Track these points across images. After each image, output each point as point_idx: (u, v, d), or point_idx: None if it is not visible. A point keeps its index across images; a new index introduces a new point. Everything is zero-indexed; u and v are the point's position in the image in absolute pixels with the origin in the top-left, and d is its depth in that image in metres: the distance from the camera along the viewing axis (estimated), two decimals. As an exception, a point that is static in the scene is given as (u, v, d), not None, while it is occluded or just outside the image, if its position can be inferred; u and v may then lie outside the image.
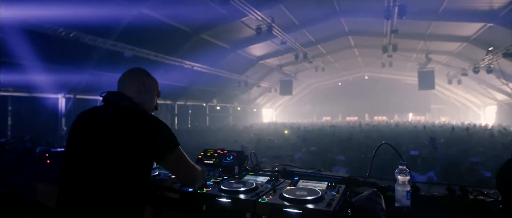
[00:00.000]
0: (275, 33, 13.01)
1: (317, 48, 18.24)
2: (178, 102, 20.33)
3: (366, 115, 34.46)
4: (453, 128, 14.40)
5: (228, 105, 27.11)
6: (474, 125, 18.12)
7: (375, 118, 33.18)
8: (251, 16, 11.26)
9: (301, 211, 1.28)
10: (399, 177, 1.48)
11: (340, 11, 13.49)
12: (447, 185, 1.61)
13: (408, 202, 1.45)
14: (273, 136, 13.57)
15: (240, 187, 1.56)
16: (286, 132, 15.43)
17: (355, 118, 32.04)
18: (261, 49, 17.94)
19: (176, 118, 20.41)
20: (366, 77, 30.88)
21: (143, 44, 11.69)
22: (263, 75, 22.86)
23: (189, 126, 21.41)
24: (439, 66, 18.30)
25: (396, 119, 31.65)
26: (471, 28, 12.70)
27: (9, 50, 7.99)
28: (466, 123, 21.44)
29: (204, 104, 23.73)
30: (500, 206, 1.42)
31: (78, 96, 12.25)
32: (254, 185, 1.61)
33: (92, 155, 1.29)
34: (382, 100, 31.59)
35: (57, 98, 11.62)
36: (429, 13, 11.63)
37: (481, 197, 1.54)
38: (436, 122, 25.24)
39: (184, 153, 1.43)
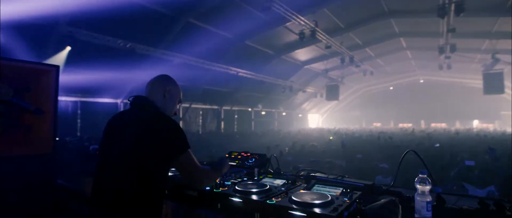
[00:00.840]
0: (319, 38, 12.81)
1: (364, 51, 17.47)
2: (225, 107, 21.00)
3: (422, 122, 31.82)
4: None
5: (273, 110, 27.25)
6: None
7: (432, 124, 30.44)
8: (294, 21, 11.26)
9: (305, 215, 1.27)
10: (418, 186, 1.38)
11: (389, 11, 12.77)
12: (479, 198, 1.45)
13: (428, 214, 1.35)
14: (317, 141, 13.30)
15: (253, 188, 1.60)
16: (331, 138, 14.99)
17: (409, 125, 29.80)
18: (305, 54, 17.75)
19: (222, 123, 21.11)
20: (421, 81, 28.57)
21: (191, 51, 12.36)
22: (308, 80, 22.56)
23: (235, 130, 21.95)
24: (509, 68, 16.21)
25: (457, 126, 28.68)
26: (549, 23, 11.06)
27: (77, 60, 9.08)
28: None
29: (250, 110, 24.16)
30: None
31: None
32: (268, 186, 1.63)
33: (119, 152, 1.45)
34: (440, 106, 28.94)
35: (116, 103, 12.89)
36: (493, 9, 10.42)
37: (521, 214, 1.36)
38: (508, 130, 22.28)
39: (193, 156, 1.51)
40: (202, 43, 12.32)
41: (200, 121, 19.42)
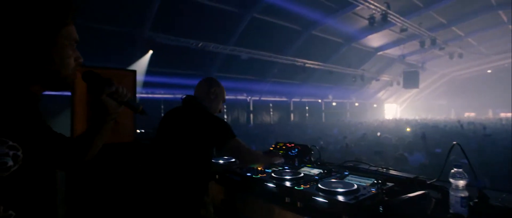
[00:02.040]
0: (392, 20, 11.81)
1: (450, 31, 15.31)
2: (294, 99, 21.06)
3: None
4: None
5: (344, 101, 26.15)
6: None
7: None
8: (363, 5, 10.61)
9: (327, 201, 1.35)
10: (452, 180, 1.32)
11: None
12: (531, 196, 1.29)
13: (463, 210, 1.28)
14: (391, 133, 12.39)
15: (287, 176, 1.74)
16: (408, 129, 13.77)
17: (513, 114, 25.08)
18: (379, 39, 16.49)
19: (292, 114, 21.25)
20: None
21: (257, 46, 12.78)
22: (382, 67, 20.95)
23: (306, 121, 21.82)
24: None
25: None
26: None
27: (158, 62, 10.33)
28: None
29: (320, 101, 23.69)
30: None
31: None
32: (302, 175, 1.75)
33: (171, 143, 1.76)
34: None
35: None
36: None
37: None
38: None
39: (240, 141, 1.76)
40: (267, 37, 12.62)
41: (271, 113, 19.92)
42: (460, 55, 17.42)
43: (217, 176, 2.15)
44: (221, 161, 2.32)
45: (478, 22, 14.66)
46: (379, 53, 18.15)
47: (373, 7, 10.71)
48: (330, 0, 10.36)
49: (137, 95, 3.08)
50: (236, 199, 1.93)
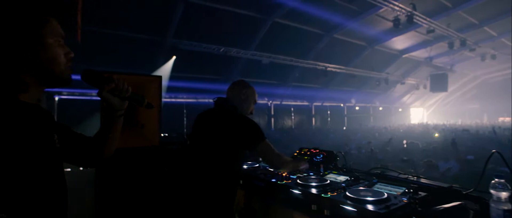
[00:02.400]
0: (418, 22, 11.41)
1: (482, 31, 14.54)
2: (315, 103, 20.79)
3: None
4: None
5: (368, 105, 25.48)
6: None
7: None
8: (386, 7, 10.33)
9: (356, 210, 1.31)
10: (492, 191, 1.23)
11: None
12: None
13: (506, 223, 1.19)
14: (419, 139, 11.91)
15: (313, 182, 1.70)
16: (436, 135, 13.19)
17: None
18: (403, 42, 15.97)
19: (313, 119, 20.96)
20: None
21: (278, 50, 12.76)
22: (408, 70, 20.25)
23: (328, 126, 21.46)
24: None
25: None
26: None
27: (181, 67, 10.58)
28: None
29: (342, 105, 23.23)
30: None
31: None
32: (328, 182, 1.70)
33: (203, 144, 1.80)
34: None
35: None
36: None
37: None
38: None
39: (270, 144, 1.77)
40: (289, 41, 12.58)
41: (292, 117, 19.79)
42: (493, 57, 16.51)
43: (241, 181, 2.15)
44: (245, 166, 2.32)
45: (512, 21, 13.83)
46: (404, 55, 17.56)
47: (397, 8, 10.39)
48: (353, 3, 10.17)
49: (162, 100, 3.16)
50: (260, 205, 1.91)
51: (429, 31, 12.33)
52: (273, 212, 1.81)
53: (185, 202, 1.74)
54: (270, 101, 17.61)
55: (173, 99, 12.27)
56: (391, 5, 10.13)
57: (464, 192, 1.61)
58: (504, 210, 1.20)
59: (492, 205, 1.23)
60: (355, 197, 1.40)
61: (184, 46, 9.95)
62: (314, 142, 11.14)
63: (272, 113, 17.94)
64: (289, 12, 10.57)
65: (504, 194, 1.21)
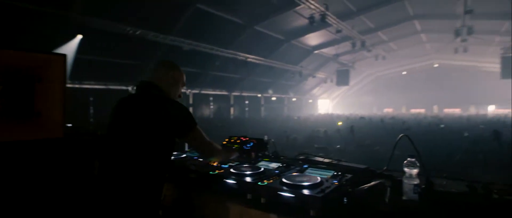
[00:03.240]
0: (329, 22, 12.57)
1: (377, 35, 17.05)
2: (234, 93, 21.09)
3: (435, 107, 31.11)
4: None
5: (283, 96, 27.17)
6: None
7: (445, 110, 29.74)
8: (304, 5, 11.04)
9: (294, 195, 1.32)
10: (406, 169, 1.41)
11: (403, -7, 12.36)
12: (467, 181, 1.47)
13: (415, 196, 1.38)
14: (327, 127, 13.28)
15: (247, 171, 1.66)
16: (339, 123, 14.93)
17: (422, 110, 29.22)
18: (316, 38, 17.46)
19: (232, 108, 21.27)
20: (436, 65, 27.77)
21: (200, 38, 12.36)
22: (318, 65, 22.30)
23: (246, 115, 22.08)
24: (529, 51, 15.54)
25: (471, 111, 27.95)
26: None
27: (88, 48, 9.24)
28: None
29: (259, 95, 24.18)
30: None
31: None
32: (262, 169, 1.70)
33: (125, 134, 1.55)
34: (454, 91, 28.16)
35: (127, 90, 13.14)
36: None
37: (509, 197, 1.37)
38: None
39: (201, 131, 1.65)
40: (211, 29, 12.30)
41: (211, 106, 19.67)
42: (384, 57, 19.55)
43: (167, 174, 1.98)
44: (172, 157, 2.13)
45: (398, 29, 16.61)
46: (316, 51, 19.24)
47: (313, 7, 11.24)
48: (274, -3, 10.56)
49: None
50: (192, 198, 1.79)
51: (338, 31, 13.76)
52: (207, 204, 1.71)
53: (103, 199, 1.49)
54: (189, 90, 17.10)
55: (76, 85, 10.66)
56: (308, 3, 10.87)
57: (378, 171, 1.82)
58: (415, 185, 1.38)
59: (405, 181, 1.41)
60: (291, 182, 1.42)
61: (93, 25, 8.68)
62: (233, 131, 11.28)
63: (191, 101, 17.48)
64: (212, -1, 10.32)
65: (415, 171, 1.40)
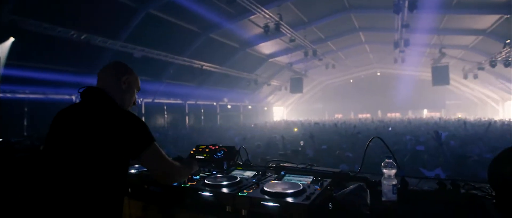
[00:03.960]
0: (283, 31, 12.93)
1: (327, 45, 18.02)
2: (189, 102, 20.53)
3: (379, 112, 33.83)
4: (464, 123, 13.99)
5: (239, 104, 27.18)
6: (494, 121, 17.39)
7: (388, 114, 32.53)
8: (259, 14, 11.24)
9: (278, 205, 1.26)
10: (385, 170, 1.43)
11: (350, 7, 13.28)
12: (437, 179, 1.55)
13: (394, 197, 1.41)
14: (284, 133, 13.53)
15: (223, 181, 1.55)
16: (295, 129, 15.34)
17: (368, 115, 31.53)
18: (270, 47, 17.88)
19: (187, 117, 20.64)
20: (378, 74, 30.29)
21: (152, 44, 11.83)
22: (273, 73, 22.79)
23: (202, 124, 21.57)
24: (454, 61, 17.72)
25: (409, 115, 30.93)
26: (487, 20, 12.23)
27: (23, 53, 8.25)
28: (484, 118, 20.74)
29: (215, 104, 23.87)
30: (493, 201, 1.35)
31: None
32: (238, 179, 1.60)
33: (68, 151, 1.28)
34: (395, 97, 30.91)
35: (71, 99, 11.98)
36: (442, 6, 11.26)
37: (474, 192, 1.47)
38: (453, 117, 24.59)
39: (160, 149, 1.39)
40: (165, 36, 11.88)
41: (165, 115, 18.87)
42: (333, 66, 20.70)
43: (129, 189, 1.77)
44: (133, 171, 1.90)
45: (346, 40, 17.80)
46: (270, 60, 19.68)
47: (268, 16, 11.49)
48: (230, 5, 10.52)
49: None
50: (162, 215, 1.62)
51: (291, 40, 14.23)
52: (180, 221, 1.56)
53: None
54: (141, 99, 16.20)
55: (8, 94, 9.37)
56: (263, 13, 11.09)
57: (351, 174, 1.84)
58: (393, 185, 1.41)
59: (384, 182, 1.43)
60: (273, 191, 1.35)
61: (28, 27, 7.75)
62: (190, 142, 10.92)
63: (143, 111, 16.56)
64: (166, 5, 9.97)
65: (393, 172, 1.42)
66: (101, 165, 1.27)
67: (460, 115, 27.17)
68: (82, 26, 8.99)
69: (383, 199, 1.43)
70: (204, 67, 15.47)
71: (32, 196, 1.32)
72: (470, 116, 25.86)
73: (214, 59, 15.74)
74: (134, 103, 1.60)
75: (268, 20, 11.73)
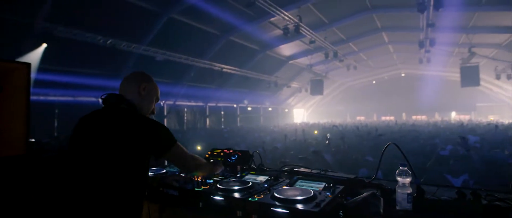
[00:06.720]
0: (303, 33, 12.84)
1: (348, 46, 17.67)
2: (210, 104, 20.82)
3: (403, 114, 32.68)
4: (496, 126, 13.18)
5: (259, 106, 27.22)
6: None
7: (413, 117, 31.33)
8: (278, 16, 11.23)
9: (288, 211, 1.25)
10: (399, 178, 1.39)
11: (372, 7, 12.95)
12: (456, 188, 1.48)
13: (409, 206, 1.36)
14: (305, 136, 13.39)
15: (235, 186, 1.57)
16: (315, 132, 15.15)
17: (391, 118, 30.54)
18: (290, 49, 17.79)
19: (208, 119, 20.93)
20: (403, 75, 29.28)
21: (174, 48, 12.12)
22: (293, 75, 22.66)
23: (223, 126, 21.79)
24: (484, 61, 16.81)
25: (436, 118, 29.63)
26: (521, 17, 11.49)
27: (54, 58, 8.73)
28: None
29: (235, 106, 24.05)
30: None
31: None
32: (250, 184, 1.61)
33: (93, 156, 1.36)
34: (420, 99, 29.67)
35: (98, 102, 12.53)
36: (470, 4, 10.73)
37: (497, 203, 1.39)
38: (484, 120, 23.28)
39: (183, 147, 1.53)
40: (185, 39, 12.13)
41: (185, 117, 19.24)
42: (355, 67, 20.26)
43: (146, 192, 1.83)
44: (150, 173, 1.97)
45: (368, 40, 17.35)
46: (290, 61, 19.58)
47: (287, 18, 11.45)
48: (250, 8, 10.60)
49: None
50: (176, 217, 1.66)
51: (311, 42, 14.10)
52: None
53: None
54: (163, 101, 16.63)
55: (41, 97, 9.93)
56: (282, 15, 11.07)
57: (366, 181, 1.80)
58: (408, 194, 1.37)
59: (398, 190, 1.39)
60: (283, 197, 1.35)
61: (59, 33, 8.20)
62: (211, 143, 11.07)
63: (165, 113, 16.99)
64: (187, 9, 10.18)
65: (407, 180, 1.38)
66: (124, 168, 1.35)
67: (492, 118, 25.68)
68: (108, 32, 9.40)
69: (397, 208, 1.39)
70: (224, 69, 15.65)
71: (58, 196, 1.42)
72: (504, 119, 24.35)
73: (234, 62, 15.89)
74: (153, 112, 1.67)
75: (288, 22, 11.69)
